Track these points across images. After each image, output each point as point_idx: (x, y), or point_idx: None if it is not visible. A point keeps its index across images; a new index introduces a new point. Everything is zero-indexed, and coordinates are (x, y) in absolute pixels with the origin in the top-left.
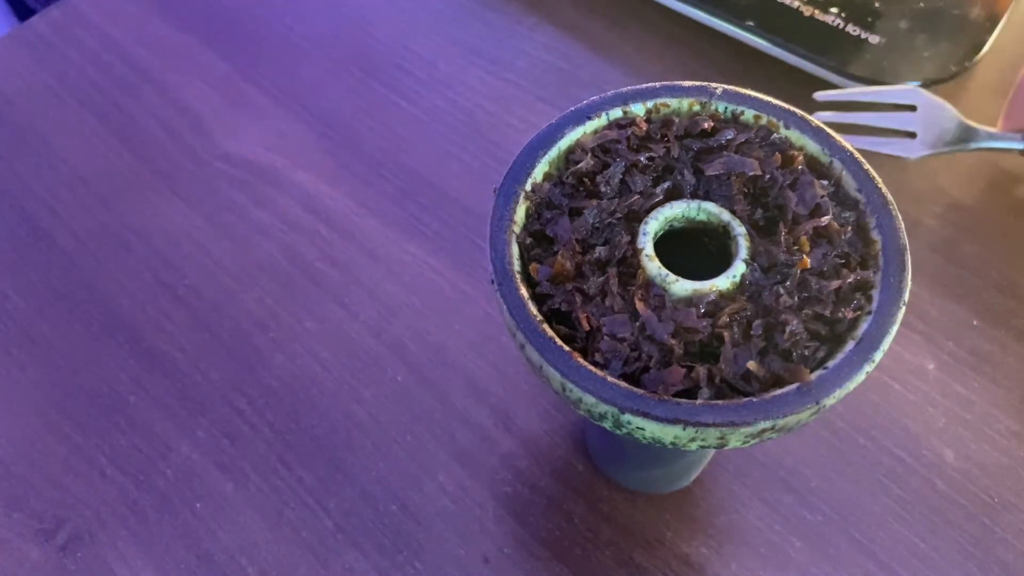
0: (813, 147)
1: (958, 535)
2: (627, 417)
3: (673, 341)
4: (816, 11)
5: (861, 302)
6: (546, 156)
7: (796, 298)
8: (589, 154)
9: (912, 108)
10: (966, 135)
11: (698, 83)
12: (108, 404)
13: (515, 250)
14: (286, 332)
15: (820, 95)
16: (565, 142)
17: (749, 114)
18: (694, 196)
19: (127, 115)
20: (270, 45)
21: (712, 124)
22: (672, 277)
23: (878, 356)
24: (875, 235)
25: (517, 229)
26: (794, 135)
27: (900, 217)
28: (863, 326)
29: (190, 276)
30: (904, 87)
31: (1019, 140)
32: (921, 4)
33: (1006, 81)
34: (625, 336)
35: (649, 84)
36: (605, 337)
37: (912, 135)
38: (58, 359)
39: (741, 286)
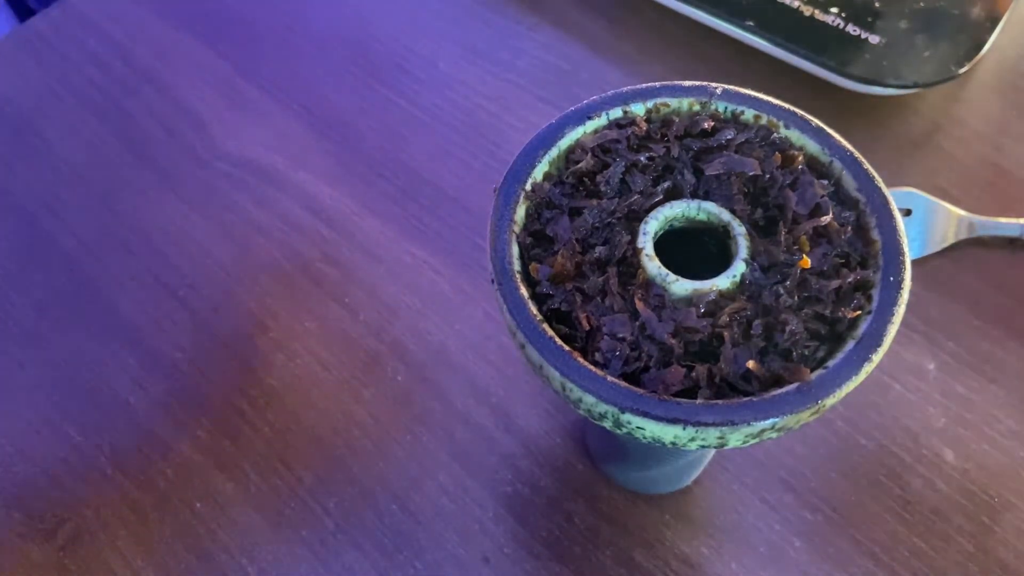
0: (813, 147)
1: (958, 535)
2: (627, 417)
3: (673, 341)
4: (816, 11)
5: (861, 302)
6: (546, 156)
7: (796, 298)
8: (589, 154)
9: (907, 212)
10: (964, 229)
11: (698, 83)
12: (108, 404)
13: (515, 250)
14: (286, 332)
15: None
16: (565, 142)
17: (749, 114)
18: (694, 196)
19: (127, 115)
20: (270, 45)
21: (712, 124)
22: (672, 277)
23: (878, 356)
24: (875, 235)
25: (517, 229)
26: (794, 135)
27: (900, 217)
28: (863, 326)
29: (190, 276)
30: (900, 190)
31: (1018, 228)
32: (921, 4)
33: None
34: (625, 336)
35: (649, 84)
36: (605, 337)
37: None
38: (58, 359)
39: (741, 286)
